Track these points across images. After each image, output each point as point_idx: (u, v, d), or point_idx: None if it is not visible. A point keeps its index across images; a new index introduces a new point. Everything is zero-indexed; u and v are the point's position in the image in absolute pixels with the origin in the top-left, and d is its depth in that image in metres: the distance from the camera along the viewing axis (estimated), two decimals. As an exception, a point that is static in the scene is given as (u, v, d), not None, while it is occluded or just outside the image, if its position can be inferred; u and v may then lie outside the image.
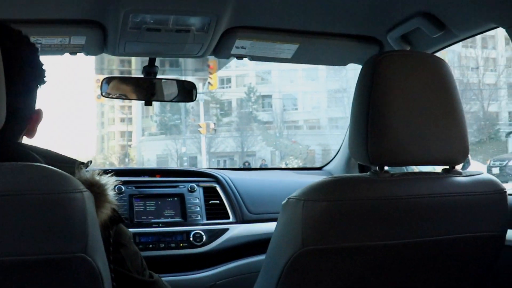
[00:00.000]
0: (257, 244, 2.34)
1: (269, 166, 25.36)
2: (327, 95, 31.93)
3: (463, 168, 2.10)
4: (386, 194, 1.42)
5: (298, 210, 1.38)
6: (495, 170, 16.74)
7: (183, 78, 2.49)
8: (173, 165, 29.04)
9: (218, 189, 2.53)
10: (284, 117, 33.33)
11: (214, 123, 30.28)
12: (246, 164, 25.40)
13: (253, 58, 2.41)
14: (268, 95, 33.90)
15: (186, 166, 25.78)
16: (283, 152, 31.15)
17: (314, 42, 2.33)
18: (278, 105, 33.91)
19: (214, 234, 2.38)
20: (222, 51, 2.30)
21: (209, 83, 24.24)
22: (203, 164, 27.27)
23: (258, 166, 26.86)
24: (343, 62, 2.61)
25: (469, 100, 28.78)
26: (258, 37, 2.23)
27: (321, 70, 30.57)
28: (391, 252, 1.45)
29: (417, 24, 2.03)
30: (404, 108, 1.43)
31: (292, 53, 2.37)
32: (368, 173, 1.48)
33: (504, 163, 17.13)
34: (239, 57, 2.37)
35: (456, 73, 29.74)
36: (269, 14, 2.14)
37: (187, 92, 2.46)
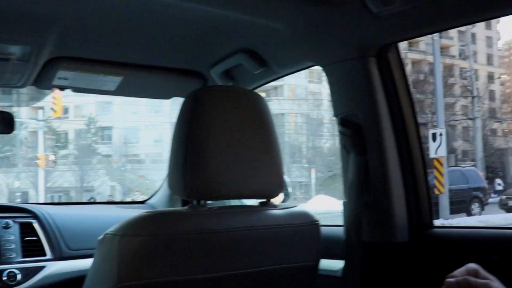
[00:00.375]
0: (76, 281, 2.25)
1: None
2: (170, 127, 31.79)
3: (284, 201, 2.20)
4: (203, 228, 1.44)
5: (114, 246, 1.37)
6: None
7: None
8: (3, 201, 27.08)
9: (36, 225, 2.41)
10: (125, 150, 32.65)
11: (54, 155, 28.84)
12: (92, 200, 24.35)
13: (76, 89, 2.37)
14: (109, 126, 33.05)
15: (18, 202, 24.22)
16: (128, 187, 30.43)
17: (138, 75, 2.34)
18: (119, 138, 33.17)
19: (29, 272, 2.26)
20: (43, 81, 2.24)
21: (52, 109, 22.93)
22: (40, 200, 25.73)
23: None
24: (167, 96, 2.64)
25: (321, 136, 30.35)
26: (81, 68, 2.20)
27: (166, 101, 30.46)
28: (210, 286, 1.48)
29: (240, 60, 2.12)
30: (222, 143, 1.48)
31: (116, 85, 2.36)
32: (186, 207, 1.50)
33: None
34: (61, 88, 2.32)
35: (305, 108, 31.31)
36: (92, 45, 2.12)
37: (6, 123, 2.33)
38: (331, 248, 1.93)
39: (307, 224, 1.66)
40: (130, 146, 33.08)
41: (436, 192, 14.55)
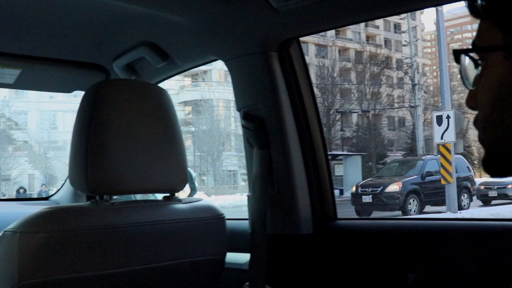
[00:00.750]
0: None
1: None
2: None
3: (190, 195, 2.22)
4: (106, 223, 1.45)
5: (14, 243, 1.36)
6: (367, 198, 16.04)
7: None
8: None
9: None
10: (44, 137, 31.60)
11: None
12: (21, 191, 23.29)
13: (-30, 82, 2.30)
14: (24, 111, 31.85)
15: None
16: (53, 176, 29.51)
17: (37, 68, 2.29)
18: (36, 123, 32.05)
19: None
20: None
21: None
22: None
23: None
24: (69, 89, 2.60)
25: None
26: None
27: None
28: (115, 281, 1.49)
29: (142, 53, 2.10)
30: (124, 137, 1.49)
31: (14, 78, 2.30)
32: (88, 202, 1.50)
33: (378, 189, 16.27)
34: None
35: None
36: None
37: None
38: (237, 241, 1.98)
39: (212, 218, 1.69)
40: (48, 132, 32.04)
41: (443, 182, 13.74)
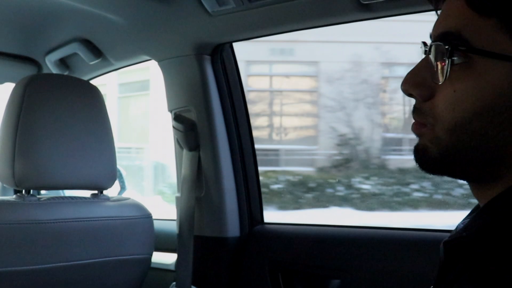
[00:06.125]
0: None
1: None
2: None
3: (119, 193, 2.31)
4: (31, 218, 1.54)
5: None
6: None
7: None
8: None
9: None
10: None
11: None
12: None
13: None
14: None
15: None
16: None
17: None
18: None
19: None
20: None
21: None
22: None
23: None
24: None
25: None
26: None
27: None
28: (40, 277, 1.57)
29: (75, 49, 2.19)
30: (54, 132, 1.59)
31: None
32: (14, 196, 1.59)
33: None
34: None
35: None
36: None
37: None
38: (164, 241, 2.09)
39: (140, 217, 1.80)
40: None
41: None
